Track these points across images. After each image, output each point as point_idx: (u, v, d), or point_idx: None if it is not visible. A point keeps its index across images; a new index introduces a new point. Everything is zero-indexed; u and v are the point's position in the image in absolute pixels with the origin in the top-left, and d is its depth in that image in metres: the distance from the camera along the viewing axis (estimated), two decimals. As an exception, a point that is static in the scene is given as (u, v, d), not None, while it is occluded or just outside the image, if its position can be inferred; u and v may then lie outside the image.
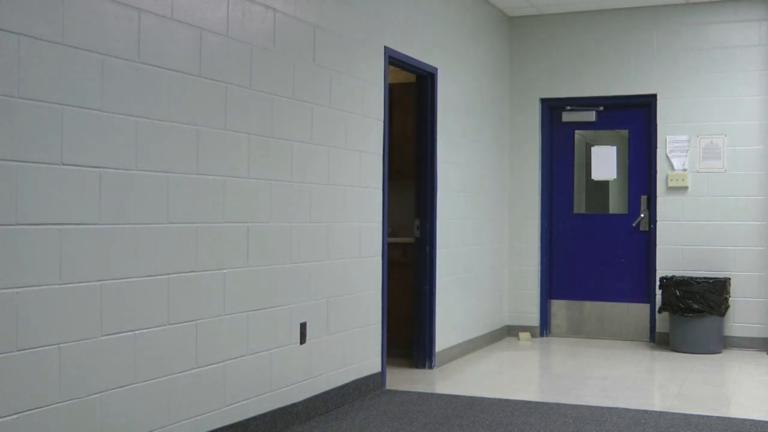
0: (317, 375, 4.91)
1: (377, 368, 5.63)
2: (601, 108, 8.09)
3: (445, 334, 6.68)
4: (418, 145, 6.53)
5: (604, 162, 8.10)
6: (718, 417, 4.95)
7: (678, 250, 7.68)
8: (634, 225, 7.99)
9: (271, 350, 4.47)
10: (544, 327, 8.20)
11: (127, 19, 3.48)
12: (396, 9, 5.87)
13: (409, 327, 6.66)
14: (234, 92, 4.16)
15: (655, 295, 7.72)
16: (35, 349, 3.07)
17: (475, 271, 7.31)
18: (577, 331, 8.15)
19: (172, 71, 3.74)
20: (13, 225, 2.99)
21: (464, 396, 5.47)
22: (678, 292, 7.20)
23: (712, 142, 7.61)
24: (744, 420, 4.88)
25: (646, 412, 5.07)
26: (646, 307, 7.91)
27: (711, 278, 7.29)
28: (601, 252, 8.09)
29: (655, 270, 7.75)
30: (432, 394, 5.53)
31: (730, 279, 7.38)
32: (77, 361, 3.25)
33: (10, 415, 2.97)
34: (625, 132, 8.09)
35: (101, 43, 3.35)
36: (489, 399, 5.39)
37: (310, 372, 4.83)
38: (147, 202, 3.60)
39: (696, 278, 7.26)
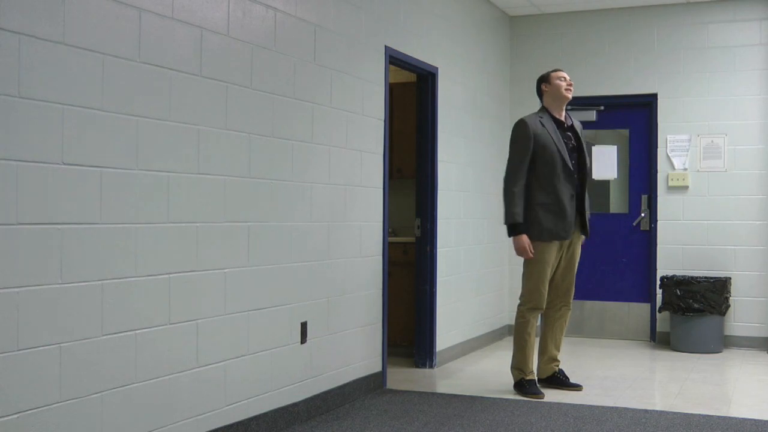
0: (318, 374, 4.91)
1: (378, 368, 5.62)
2: (602, 107, 8.08)
3: (446, 334, 6.68)
4: (418, 145, 6.53)
5: (605, 161, 8.09)
6: (718, 416, 4.94)
7: (678, 250, 7.68)
8: (634, 224, 7.99)
9: (271, 350, 4.47)
10: (545, 326, 8.18)
11: (127, 19, 3.48)
12: (397, 8, 5.87)
13: (409, 326, 6.66)
14: (235, 92, 4.16)
15: (655, 294, 7.72)
16: (36, 349, 3.07)
17: (475, 271, 7.31)
18: (578, 330, 8.14)
19: (173, 71, 3.74)
20: (13, 224, 2.99)
21: (465, 395, 5.47)
22: (678, 292, 7.20)
23: (712, 141, 7.61)
24: (744, 419, 4.87)
25: (646, 411, 5.07)
26: (646, 306, 7.91)
27: (712, 277, 7.29)
28: (602, 251, 8.08)
29: (655, 269, 7.75)
30: (433, 394, 5.52)
31: (730, 278, 7.38)
32: (78, 360, 3.24)
33: (10, 415, 2.97)
34: (625, 131, 8.09)
35: (102, 43, 3.34)
36: (490, 398, 5.38)
37: (310, 371, 4.83)
38: (147, 202, 3.60)
39: (696, 277, 7.25)
